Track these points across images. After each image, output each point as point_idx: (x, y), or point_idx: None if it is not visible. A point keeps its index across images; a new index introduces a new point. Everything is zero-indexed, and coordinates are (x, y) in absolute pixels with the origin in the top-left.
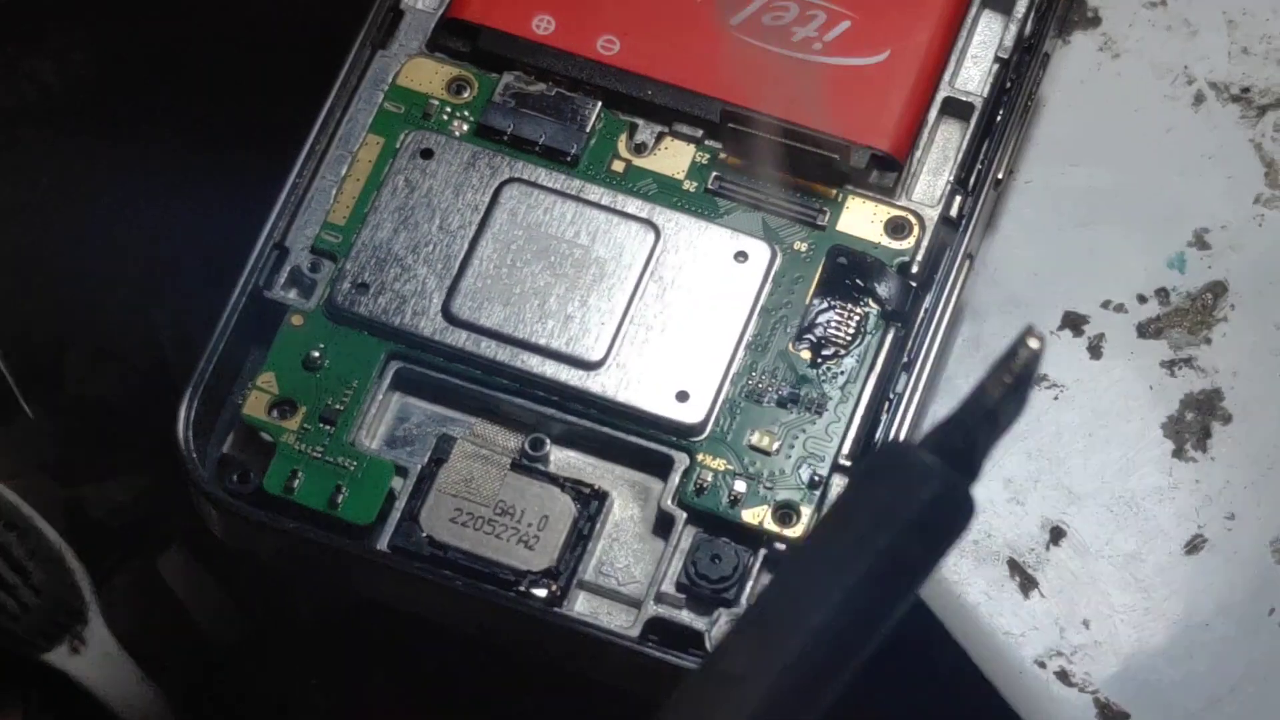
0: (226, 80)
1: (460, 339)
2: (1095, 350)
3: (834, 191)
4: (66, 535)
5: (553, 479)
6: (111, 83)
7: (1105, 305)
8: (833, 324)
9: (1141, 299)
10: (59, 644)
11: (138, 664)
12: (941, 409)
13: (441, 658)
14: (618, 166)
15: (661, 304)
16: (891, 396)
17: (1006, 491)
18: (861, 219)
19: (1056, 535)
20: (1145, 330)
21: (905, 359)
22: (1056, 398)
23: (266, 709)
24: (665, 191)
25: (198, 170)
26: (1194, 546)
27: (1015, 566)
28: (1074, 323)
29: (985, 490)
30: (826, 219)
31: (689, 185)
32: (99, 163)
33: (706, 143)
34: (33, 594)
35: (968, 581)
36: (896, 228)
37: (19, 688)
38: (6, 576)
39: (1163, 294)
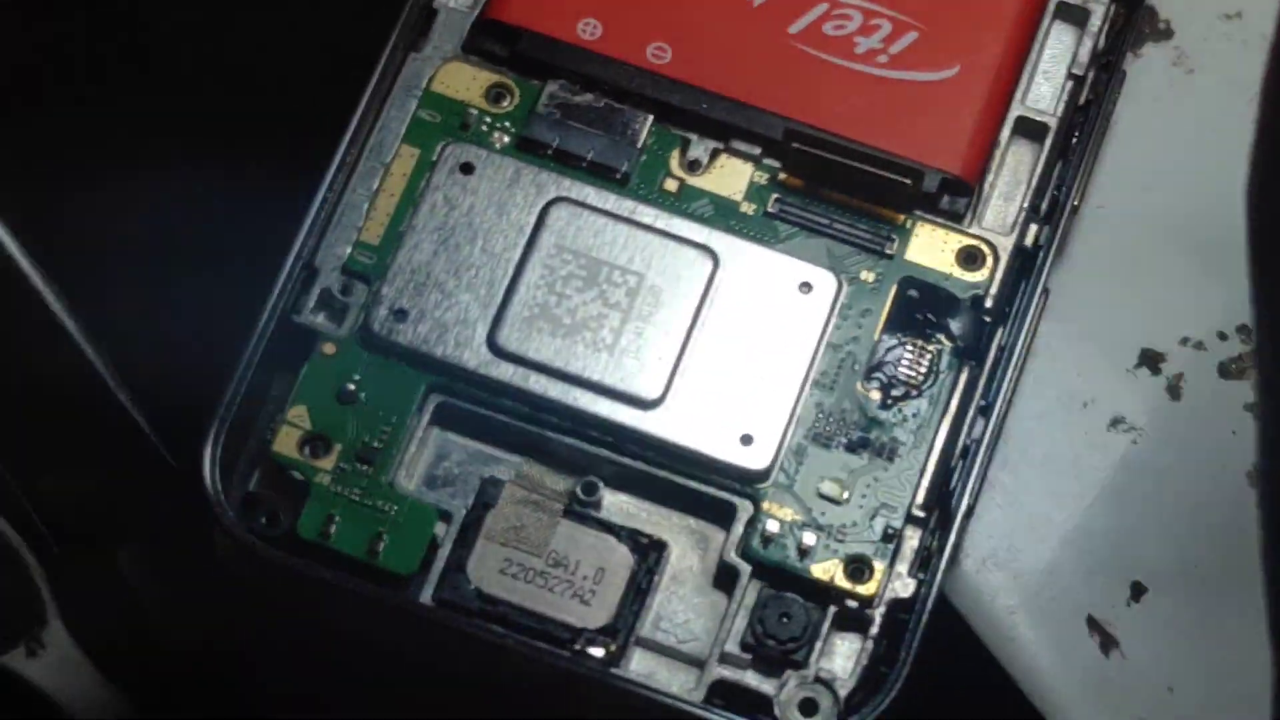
0: (250, 83)
1: (507, 372)
2: (1175, 391)
3: (902, 217)
4: (20, 527)
5: (608, 527)
6: (125, 84)
7: (1184, 342)
8: (904, 362)
9: (1222, 336)
10: (15, 647)
11: (96, 667)
12: (1013, 453)
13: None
14: (671, 185)
15: (721, 337)
16: (968, 442)
17: (1083, 543)
18: (931, 247)
19: (1138, 591)
20: (1227, 370)
21: (982, 402)
22: (1135, 441)
23: (229, 713)
24: (722, 214)
25: (216, 177)
26: None
27: (1094, 624)
28: (1151, 360)
29: (1061, 541)
30: (894, 247)
31: (747, 207)
32: (114, 157)
33: (765, 161)
34: None
35: (1044, 640)
36: (969, 258)
37: None
38: None
39: (1245, 331)
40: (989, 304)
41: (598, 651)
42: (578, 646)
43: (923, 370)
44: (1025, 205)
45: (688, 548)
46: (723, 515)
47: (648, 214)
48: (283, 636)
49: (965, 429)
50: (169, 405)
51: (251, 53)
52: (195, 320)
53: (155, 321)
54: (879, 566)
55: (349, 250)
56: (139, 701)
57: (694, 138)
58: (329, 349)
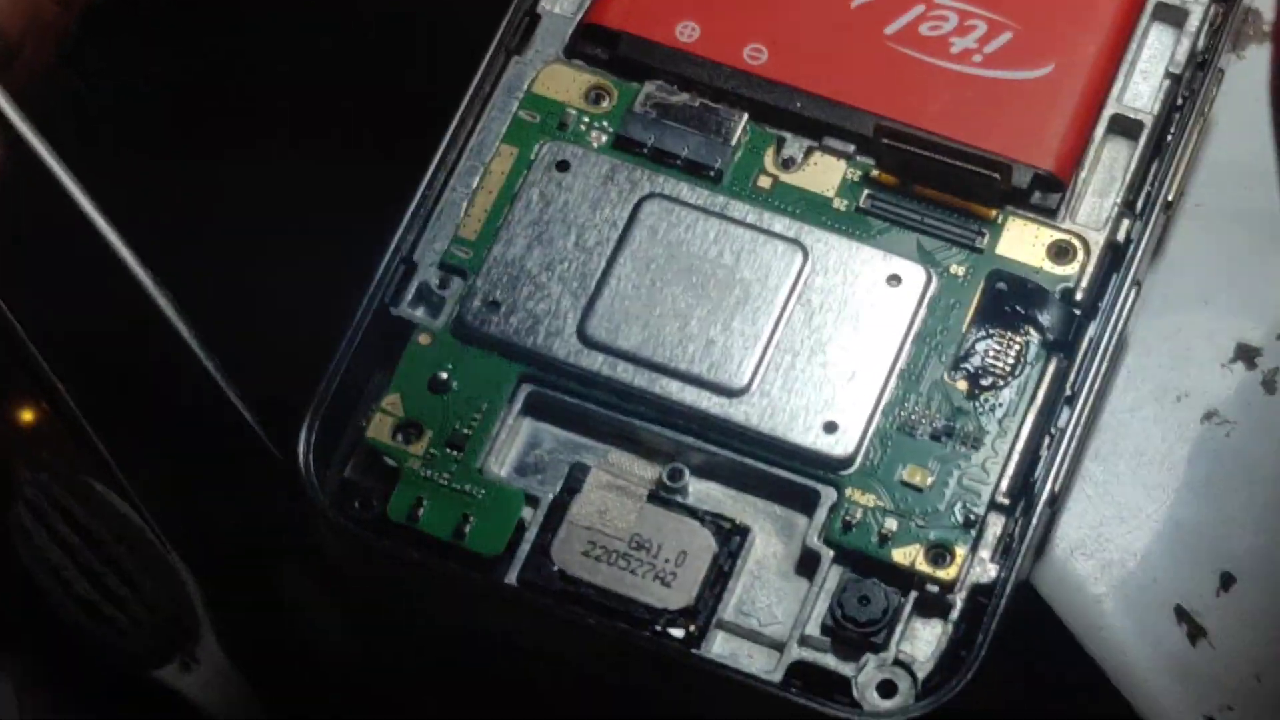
0: (357, 86)
1: (596, 362)
2: (1270, 385)
3: (993, 213)
4: (179, 547)
5: (691, 512)
6: (236, 86)
7: None
8: (991, 353)
9: None
10: (170, 661)
11: (249, 683)
12: (1104, 445)
13: (569, 695)
14: (764, 182)
15: (809, 329)
16: (1053, 432)
17: (1173, 533)
18: (1023, 242)
19: (1227, 581)
20: None
21: (1068, 392)
22: (1228, 435)
23: None
24: (814, 210)
25: (326, 179)
26: None
27: (1183, 614)
28: (1247, 355)
29: (1151, 531)
30: (985, 241)
31: (839, 204)
32: (222, 165)
33: (858, 158)
34: (144, 609)
35: (1132, 629)
36: (1060, 252)
37: (130, 705)
38: (117, 590)
39: None
40: (1079, 296)
41: (678, 632)
42: (658, 627)
43: (1010, 361)
44: (1119, 201)
45: (771, 533)
46: (806, 502)
47: (740, 209)
48: (423, 647)
49: (1052, 420)
50: (276, 400)
51: (357, 53)
52: (300, 314)
53: (262, 316)
54: (960, 552)
55: (447, 245)
56: (290, 715)
57: (788, 136)
58: (424, 339)
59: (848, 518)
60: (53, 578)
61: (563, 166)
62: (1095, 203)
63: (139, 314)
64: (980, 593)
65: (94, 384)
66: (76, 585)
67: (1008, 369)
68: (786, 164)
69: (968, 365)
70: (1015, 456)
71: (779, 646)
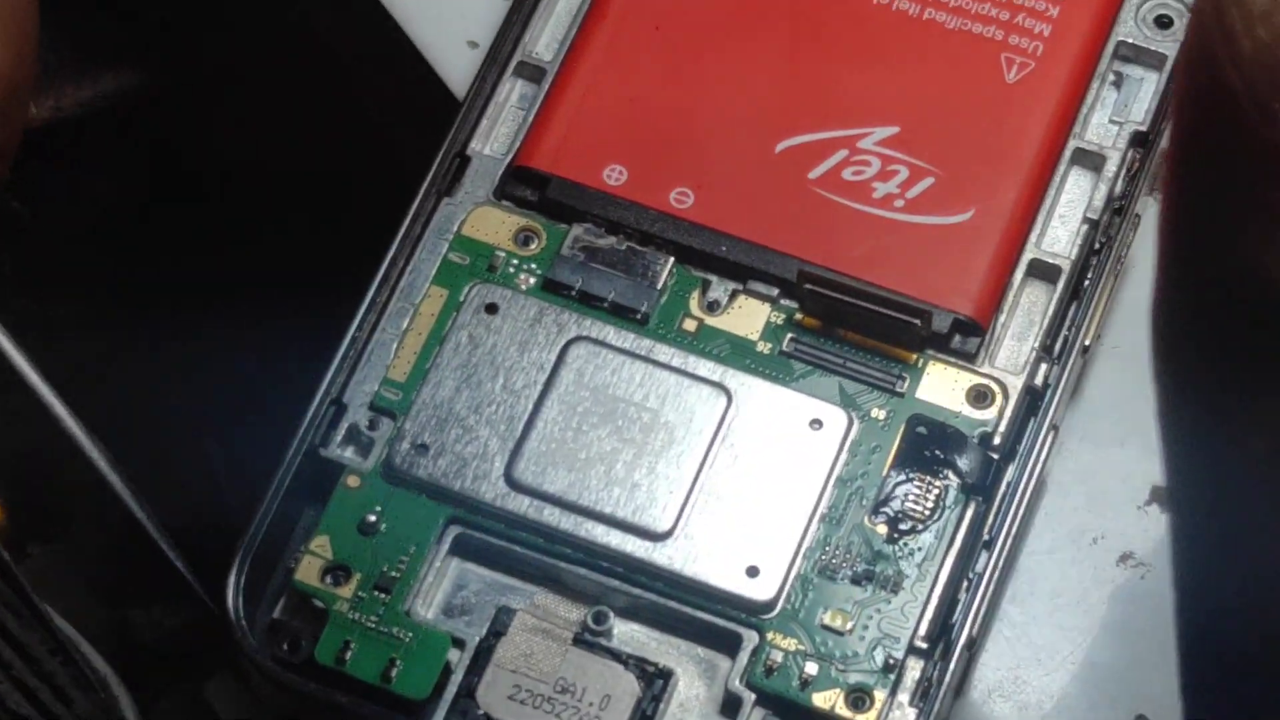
0: (286, 226)
1: (523, 505)
2: None
3: (914, 357)
4: (111, 659)
5: (616, 655)
6: (169, 222)
7: None
8: (911, 497)
9: None
10: None
11: None
12: (1021, 587)
13: None
14: (689, 325)
15: (732, 472)
16: (971, 576)
17: (1089, 675)
18: (942, 386)
19: None
20: None
21: (986, 536)
22: (1143, 577)
23: None
24: (738, 353)
25: (254, 318)
26: None
27: None
28: (1162, 497)
29: (1067, 673)
30: (906, 385)
31: (763, 347)
32: (155, 295)
33: (783, 302)
34: None
35: None
36: (979, 396)
37: None
38: (53, 708)
39: None
40: (997, 441)
41: None
42: None
43: (929, 505)
44: (1036, 345)
45: (695, 676)
46: (729, 644)
47: (665, 353)
48: None
49: (970, 563)
50: (208, 544)
51: (293, 196)
52: (230, 456)
53: (193, 459)
54: (879, 696)
55: (376, 387)
56: None
57: (714, 279)
58: (353, 481)
59: (769, 661)
60: None
61: (491, 309)
62: (1014, 346)
63: (63, 453)
64: None
65: (23, 505)
66: (9, 699)
67: (927, 513)
68: (711, 307)
69: (888, 509)
70: (934, 600)
71: None
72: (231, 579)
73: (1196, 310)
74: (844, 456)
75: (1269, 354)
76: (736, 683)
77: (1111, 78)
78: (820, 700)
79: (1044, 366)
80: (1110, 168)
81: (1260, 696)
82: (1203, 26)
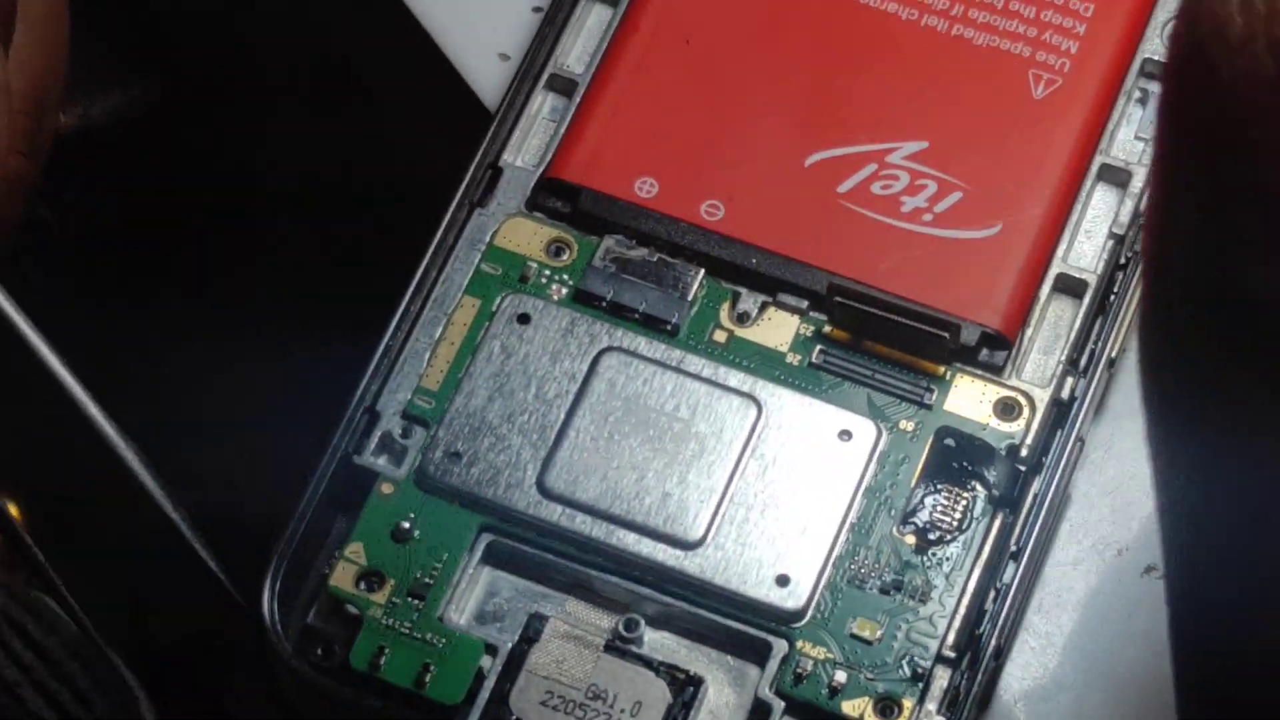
0: (321, 237)
1: (554, 513)
2: None
3: (942, 369)
4: (131, 662)
5: (647, 663)
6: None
7: None
8: (939, 508)
9: None
10: None
11: None
12: (1048, 598)
13: None
14: (719, 337)
15: (762, 482)
16: (998, 586)
17: (1114, 685)
18: (970, 399)
19: None
20: None
21: (1013, 548)
22: None
23: None
24: (768, 364)
25: (289, 328)
26: None
27: None
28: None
29: (1092, 683)
30: (934, 398)
31: (793, 358)
32: (188, 305)
33: (812, 314)
34: None
35: None
36: (1006, 409)
37: None
38: (72, 710)
39: None
40: (1024, 453)
41: None
42: None
43: (957, 516)
44: (1063, 359)
45: (724, 684)
46: (758, 653)
47: (695, 363)
48: None
49: (997, 574)
50: (244, 549)
51: (324, 207)
52: (265, 464)
53: (220, 465)
54: (908, 704)
55: (409, 396)
56: None
57: (744, 291)
58: (387, 489)
59: (799, 669)
60: (7, 694)
61: (524, 319)
62: (1040, 360)
63: (103, 465)
64: None
65: (44, 505)
66: (31, 703)
67: (955, 524)
68: (741, 319)
69: (916, 520)
70: (962, 611)
71: None
72: (267, 584)
73: (1179, 329)
74: (873, 467)
75: (1250, 371)
76: (766, 690)
77: (1137, 94)
78: (849, 708)
79: (1070, 380)
80: (1136, 183)
81: (1257, 702)
82: (1180, 57)
